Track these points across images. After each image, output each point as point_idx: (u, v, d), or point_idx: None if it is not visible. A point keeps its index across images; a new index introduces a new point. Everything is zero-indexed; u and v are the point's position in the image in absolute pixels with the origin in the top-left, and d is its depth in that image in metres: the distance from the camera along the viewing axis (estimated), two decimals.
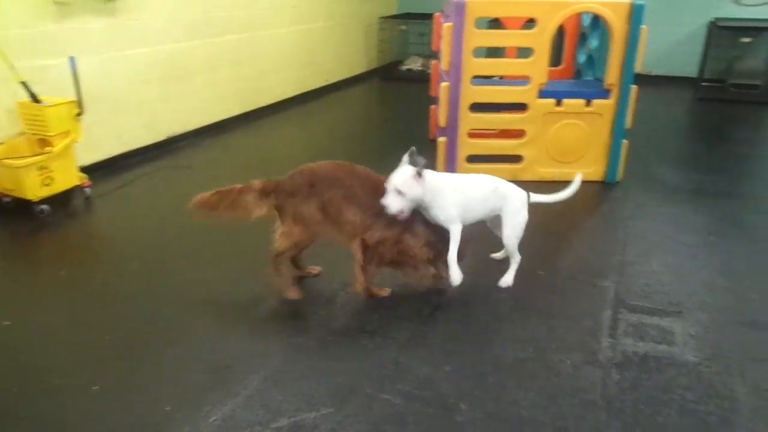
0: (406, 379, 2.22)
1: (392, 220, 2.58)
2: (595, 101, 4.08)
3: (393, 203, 2.51)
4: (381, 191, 2.55)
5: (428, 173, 2.60)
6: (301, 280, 2.91)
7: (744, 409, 2.08)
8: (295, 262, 2.94)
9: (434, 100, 4.56)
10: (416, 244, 2.66)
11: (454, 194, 2.66)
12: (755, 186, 4.26)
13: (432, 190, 2.60)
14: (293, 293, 2.77)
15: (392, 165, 2.60)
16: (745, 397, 2.13)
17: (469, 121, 4.11)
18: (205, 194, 2.70)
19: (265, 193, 2.68)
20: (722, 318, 2.62)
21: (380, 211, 2.54)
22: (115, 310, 2.70)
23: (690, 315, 2.64)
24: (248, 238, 3.41)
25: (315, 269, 3.00)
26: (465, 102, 4.04)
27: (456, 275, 2.65)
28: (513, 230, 2.78)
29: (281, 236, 2.71)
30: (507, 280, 2.86)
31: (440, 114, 4.13)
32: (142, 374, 2.27)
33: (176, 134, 5.08)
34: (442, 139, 4.19)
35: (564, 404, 2.10)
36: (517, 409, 2.08)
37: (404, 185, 2.51)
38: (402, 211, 2.54)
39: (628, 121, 4.11)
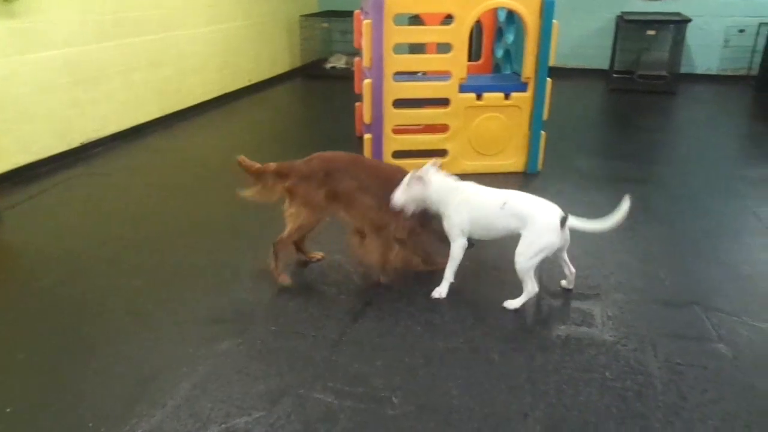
0: (337, 377, 2.22)
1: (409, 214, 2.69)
2: (514, 94, 4.21)
3: (398, 198, 2.60)
4: (393, 183, 2.64)
5: (438, 178, 2.63)
6: (305, 265, 3.03)
7: (657, 383, 2.20)
8: (299, 246, 3.01)
9: (359, 98, 4.57)
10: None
11: (458, 206, 2.63)
12: (665, 172, 4.52)
13: (439, 196, 2.63)
14: (284, 279, 2.84)
15: None
16: (658, 371, 2.26)
17: (393, 117, 4.14)
18: (252, 163, 2.82)
19: (279, 175, 2.76)
20: (637, 298, 2.76)
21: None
22: (27, 328, 2.56)
23: (607, 296, 2.77)
24: (170, 246, 3.31)
25: (317, 254, 3.08)
26: (388, 98, 4.07)
27: (443, 291, 2.73)
28: (524, 252, 2.53)
29: (289, 217, 2.80)
30: (512, 303, 2.64)
31: (365, 111, 4.14)
32: (61, 392, 2.16)
33: (92, 140, 4.85)
34: (367, 136, 4.20)
35: (492, 390, 2.16)
36: (448, 399, 2.12)
37: (408, 182, 2.60)
38: (404, 207, 2.63)
39: (545, 113, 4.26)
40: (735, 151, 5.19)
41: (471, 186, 2.70)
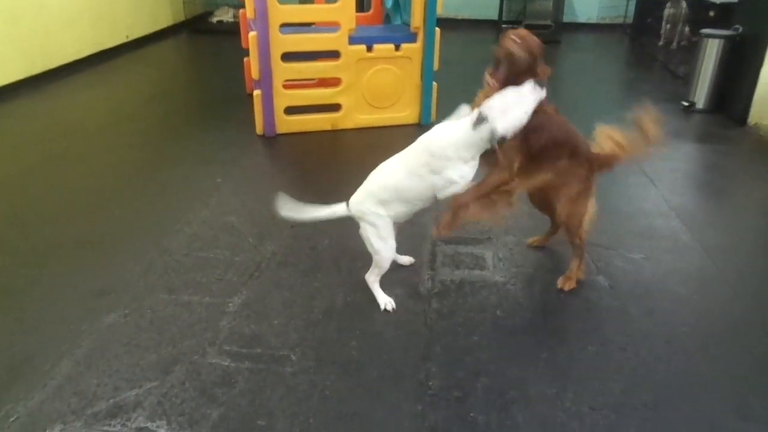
0: (233, 340, 2.16)
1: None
2: (404, 45, 4.19)
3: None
4: None
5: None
6: None
7: (543, 316, 2.33)
8: None
9: (247, 53, 4.37)
10: None
11: None
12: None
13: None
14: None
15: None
16: (544, 306, 2.39)
17: (283, 71, 4.00)
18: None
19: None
20: (525, 240, 2.88)
21: None
22: None
23: (498, 240, 2.88)
24: (42, 219, 3.06)
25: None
26: (276, 52, 3.91)
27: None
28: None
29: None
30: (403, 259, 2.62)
31: (252, 66, 3.97)
32: None
33: None
34: (257, 92, 4.04)
35: (390, 338, 2.20)
36: (347, 351, 2.13)
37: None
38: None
39: (436, 64, 4.28)
40: (613, 96, 5.49)
41: None
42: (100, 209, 3.14)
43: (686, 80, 5.10)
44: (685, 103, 4.82)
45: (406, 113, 4.38)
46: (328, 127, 4.29)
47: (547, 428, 1.81)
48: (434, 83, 4.33)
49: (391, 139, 4.11)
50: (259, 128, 4.14)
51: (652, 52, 6.83)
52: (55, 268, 2.61)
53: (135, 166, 3.71)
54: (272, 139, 4.14)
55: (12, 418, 1.81)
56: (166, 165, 3.72)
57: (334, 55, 4.09)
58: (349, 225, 2.65)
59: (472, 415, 1.86)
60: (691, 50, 5.32)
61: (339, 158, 4.02)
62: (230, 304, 2.36)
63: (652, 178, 3.54)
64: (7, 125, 4.39)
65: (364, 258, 2.42)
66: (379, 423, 1.83)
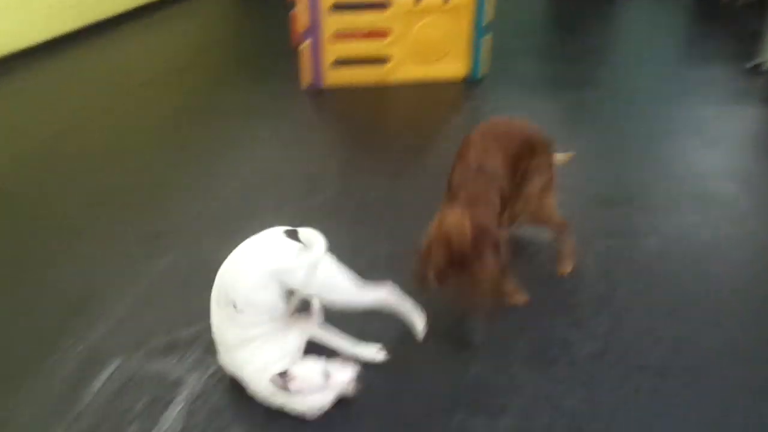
0: None
1: None
2: None
3: None
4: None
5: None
6: None
7: (589, 277, 2.30)
8: None
9: (293, 6, 4.34)
10: None
11: None
12: (606, 75, 4.55)
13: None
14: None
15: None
16: (591, 265, 2.35)
17: (331, 22, 3.96)
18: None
19: None
20: (574, 198, 2.82)
21: None
22: None
23: None
24: (99, 165, 3.17)
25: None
26: (325, 1, 3.87)
27: None
28: None
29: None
30: None
31: (299, 17, 3.94)
32: None
33: (2, 55, 4.48)
34: (305, 43, 4.02)
35: (434, 291, 2.21)
36: None
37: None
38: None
39: (488, 16, 4.16)
40: (674, 54, 5.25)
41: None
42: (155, 155, 3.23)
43: (754, 39, 4.82)
44: (753, 63, 4.57)
45: (455, 67, 4.29)
46: (376, 81, 4.25)
47: (589, 387, 1.81)
48: (486, 36, 4.21)
49: (440, 94, 4.06)
50: (306, 81, 4.13)
51: (719, 8, 6.46)
52: (114, 210, 2.72)
53: (186, 116, 3.78)
54: (319, 93, 4.13)
55: (76, 350, 1.92)
56: (215, 116, 3.77)
57: (382, 6, 4.01)
58: (394, 179, 2.65)
59: (513, 369, 1.87)
60: (760, 8, 5.01)
61: (386, 113, 3.99)
62: None
63: (712, 141, 3.41)
64: (65, 74, 4.51)
65: (410, 210, 2.43)
66: (420, 371, 1.87)
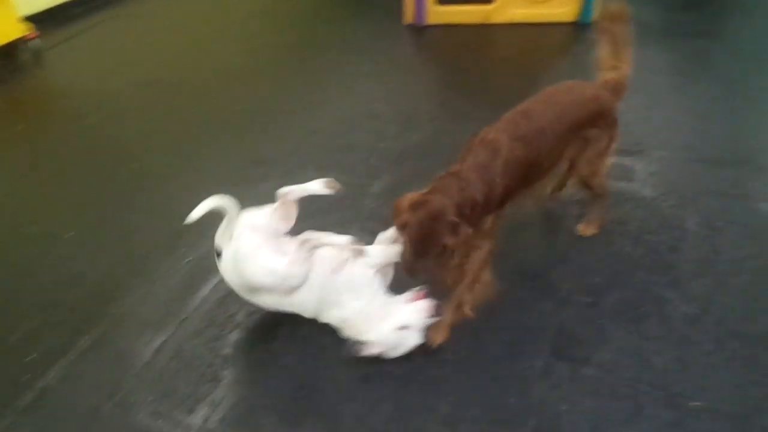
0: (373, 219, 2.27)
1: None
2: None
3: None
4: None
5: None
6: None
7: (693, 238, 2.20)
8: None
9: None
10: None
11: None
12: (726, 25, 4.17)
13: None
14: None
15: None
16: (695, 227, 2.25)
17: None
18: None
19: None
20: (682, 156, 2.68)
21: None
22: (78, 164, 2.66)
23: (651, 153, 2.70)
24: (207, 90, 3.30)
25: None
26: None
27: None
28: None
29: None
30: None
31: None
32: (113, 223, 2.29)
33: None
34: None
35: (526, 238, 2.20)
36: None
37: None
38: None
39: None
40: None
41: None
42: (257, 85, 3.33)
43: None
44: None
45: (564, 10, 4.08)
46: (480, 21, 4.12)
47: (681, 347, 1.77)
48: None
49: (546, 38, 3.89)
50: (408, 17, 4.07)
51: None
52: (219, 135, 2.85)
53: (287, 48, 3.85)
54: (421, 30, 4.06)
55: (185, 260, 2.08)
56: (315, 49, 3.81)
57: None
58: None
59: (601, 321, 1.86)
60: None
61: (488, 54, 3.88)
62: (373, 187, 2.47)
63: None
64: (173, 4, 4.67)
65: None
66: (506, 313, 1.89)
